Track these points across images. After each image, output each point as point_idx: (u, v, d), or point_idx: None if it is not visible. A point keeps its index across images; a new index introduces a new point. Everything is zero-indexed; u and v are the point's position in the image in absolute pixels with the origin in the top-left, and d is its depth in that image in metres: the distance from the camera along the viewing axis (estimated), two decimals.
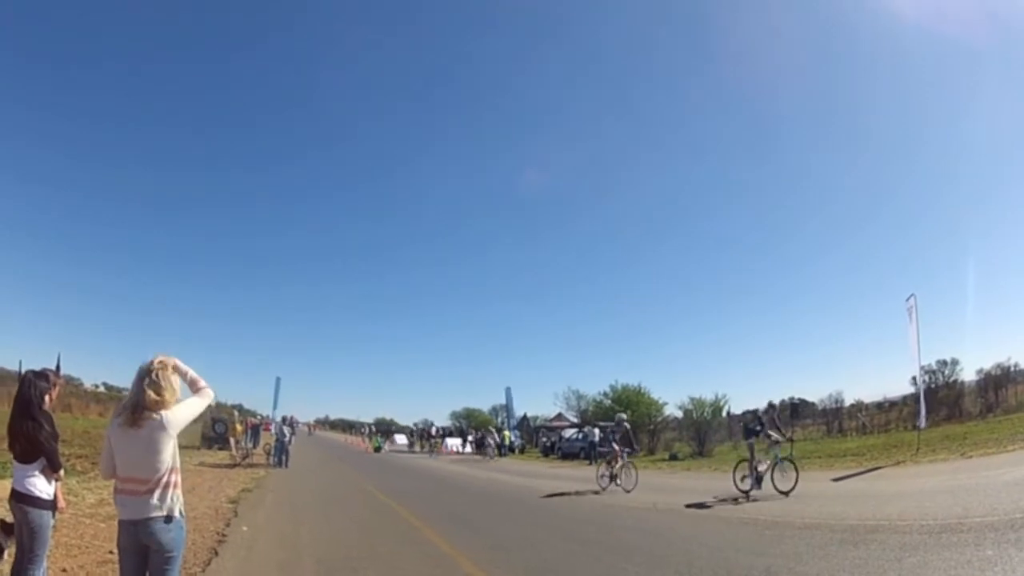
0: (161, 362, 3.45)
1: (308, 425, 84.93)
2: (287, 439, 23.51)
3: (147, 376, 3.38)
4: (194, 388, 3.61)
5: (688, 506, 11.59)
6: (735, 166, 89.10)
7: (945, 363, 33.00)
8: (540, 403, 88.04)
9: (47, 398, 4.68)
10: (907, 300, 19.21)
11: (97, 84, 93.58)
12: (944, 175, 72.51)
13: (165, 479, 3.36)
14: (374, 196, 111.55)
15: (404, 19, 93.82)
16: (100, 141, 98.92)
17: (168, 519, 3.35)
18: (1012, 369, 31.32)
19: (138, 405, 3.34)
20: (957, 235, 70.23)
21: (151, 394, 3.34)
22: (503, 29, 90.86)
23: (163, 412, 3.34)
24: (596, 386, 46.35)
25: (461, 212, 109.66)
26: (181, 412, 3.43)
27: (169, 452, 3.35)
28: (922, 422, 19.31)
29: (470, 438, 46.77)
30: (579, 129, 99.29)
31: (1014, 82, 58.52)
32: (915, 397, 21.83)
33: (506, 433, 43.68)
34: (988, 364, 31.36)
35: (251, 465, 22.20)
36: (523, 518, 11.36)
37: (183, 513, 3.49)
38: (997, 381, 31.04)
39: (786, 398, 38.40)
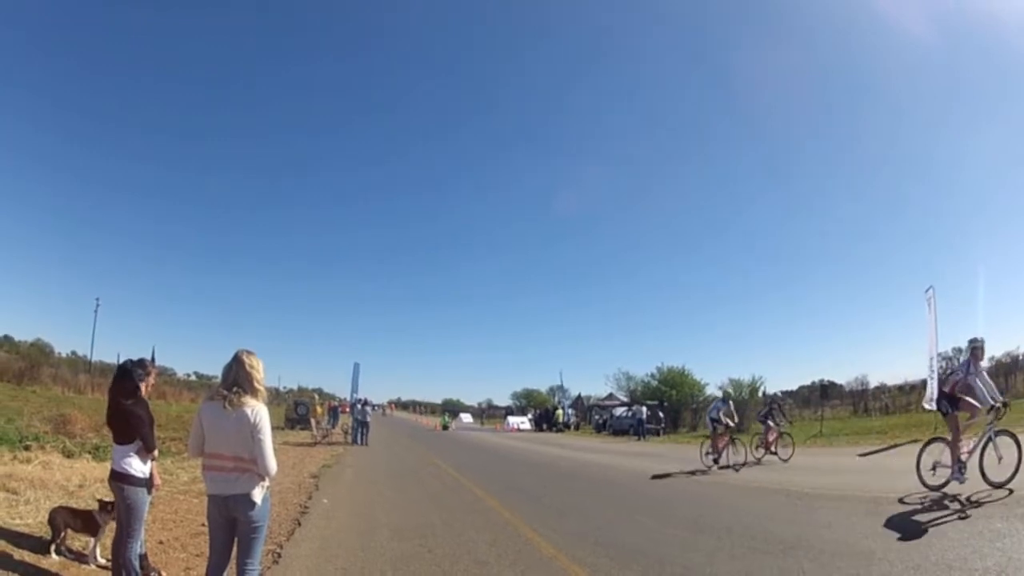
0: (248, 351, 3.50)
1: (383, 407, 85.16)
2: (365, 419, 23.77)
3: (237, 360, 3.44)
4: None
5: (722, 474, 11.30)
6: (763, 176, 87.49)
7: (959, 350, 31.56)
8: (593, 383, 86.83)
9: (143, 385, 4.60)
10: (926, 292, 18.43)
11: (199, 98, 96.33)
12: (955, 178, 70.25)
13: (252, 466, 3.34)
14: (441, 199, 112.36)
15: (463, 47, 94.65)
16: (186, 151, 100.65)
17: (252, 502, 3.34)
18: (1021, 357, 30.65)
19: (228, 384, 3.38)
20: (970, 233, 67.77)
21: (241, 372, 3.39)
22: (547, 63, 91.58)
23: (257, 406, 3.35)
24: (644, 368, 45.27)
25: (522, 215, 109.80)
26: (266, 423, 3.39)
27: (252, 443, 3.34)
28: (928, 404, 18.37)
29: (530, 416, 47.03)
30: (616, 142, 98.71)
31: (1014, 98, 56.28)
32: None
33: (559, 412, 43.56)
34: (999, 352, 30.03)
35: (331, 443, 22.33)
36: (577, 489, 11.23)
37: (268, 488, 3.50)
38: (1007, 368, 30.11)
39: (816, 380, 37.16)
